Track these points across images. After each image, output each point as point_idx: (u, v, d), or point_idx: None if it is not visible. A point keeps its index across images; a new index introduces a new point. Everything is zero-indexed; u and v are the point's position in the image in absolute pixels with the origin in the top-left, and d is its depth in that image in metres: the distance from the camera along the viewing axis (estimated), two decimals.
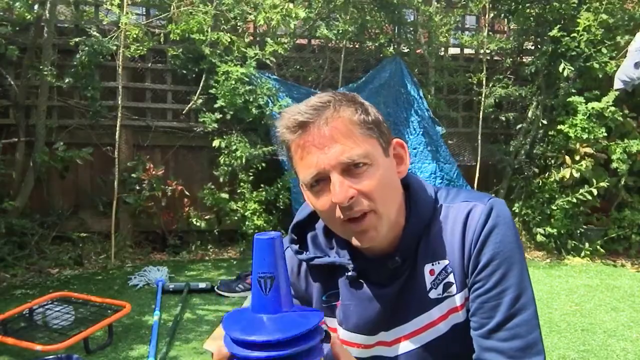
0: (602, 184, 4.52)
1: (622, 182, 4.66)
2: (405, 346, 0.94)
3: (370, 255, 0.94)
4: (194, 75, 4.45)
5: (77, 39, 4.09)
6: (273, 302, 0.71)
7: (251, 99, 4.22)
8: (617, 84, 4.41)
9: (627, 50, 4.44)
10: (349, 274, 0.94)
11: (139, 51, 4.17)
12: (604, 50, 4.58)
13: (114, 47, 4.13)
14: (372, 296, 0.93)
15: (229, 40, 4.20)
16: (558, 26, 4.61)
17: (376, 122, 0.88)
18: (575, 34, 4.57)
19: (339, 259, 0.96)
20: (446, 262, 0.91)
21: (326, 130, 0.84)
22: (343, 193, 0.82)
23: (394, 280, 0.93)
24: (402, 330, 0.94)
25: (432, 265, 0.92)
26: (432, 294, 0.92)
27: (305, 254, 0.98)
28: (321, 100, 0.86)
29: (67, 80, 4.14)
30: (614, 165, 4.58)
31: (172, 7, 4.16)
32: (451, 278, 0.91)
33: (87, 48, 4.00)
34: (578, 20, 4.52)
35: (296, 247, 0.99)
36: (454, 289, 0.91)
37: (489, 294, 0.87)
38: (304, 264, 1.01)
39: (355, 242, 0.89)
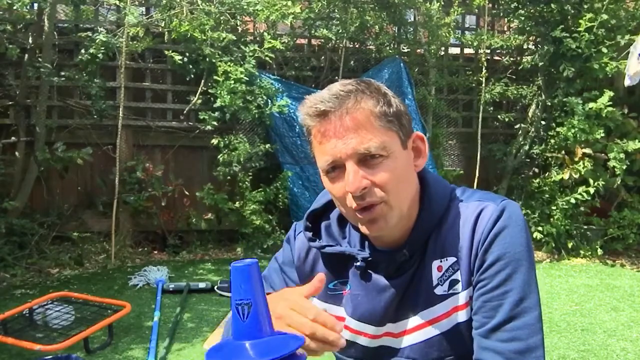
0: (598, 182, 4.52)
1: (620, 182, 4.64)
2: (411, 339, 0.95)
3: (381, 246, 0.96)
4: (193, 76, 4.44)
5: (83, 34, 4.08)
6: (252, 328, 0.73)
7: (251, 99, 4.23)
8: (627, 81, 4.37)
9: (629, 51, 4.42)
10: (358, 264, 0.95)
11: (141, 45, 4.18)
12: (604, 50, 4.58)
13: (119, 45, 4.13)
14: (380, 287, 0.95)
15: (229, 39, 4.21)
16: (561, 27, 4.61)
17: (397, 115, 0.89)
18: (576, 35, 4.56)
19: (349, 248, 0.97)
20: (454, 259, 0.92)
21: (347, 120, 0.85)
22: (356, 183, 0.84)
23: (402, 273, 0.94)
24: (408, 323, 0.95)
25: (441, 261, 0.92)
26: (438, 290, 0.92)
27: (318, 242, 1.00)
28: (344, 89, 0.87)
29: (74, 76, 4.10)
30: (611, 164, 4.58)
31: (175, 6, 4.17)
32: (457, 276, 0.91)
33: (95, 44, 3.99)
34: (580, 21, 4.51)
35: (309, 234, 1.01)
36: (459, 286, 0.91)
37: (492, 293, 0.87)
38: (313, 251, 1.03)
39: (364, 229, 0.90)
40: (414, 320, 0.94)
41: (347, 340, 0.98)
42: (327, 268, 1.01)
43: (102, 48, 4.00)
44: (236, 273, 0.74)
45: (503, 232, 0.88)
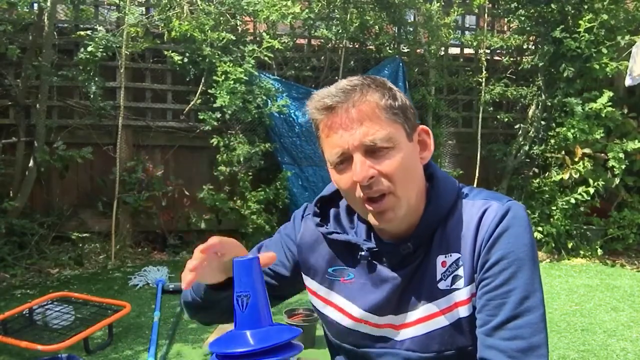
0: (598, 182, 4.52)
1: (618, 181, 4.64)
2: (411, 332, 0.96)
3: (386, 238, 0.98)
4: (193, 76, 4.44)
5: (82, 32, 4.08)
6: (251, 318, 0.78)
7: (250, 99, 4.23)
8: (628, 81, 4.36)
9: (630, 51, 4.41)
10: (362, 253, 0.97)
11: (140, 46, 4.18)
12: (604, 51, 4.58)
13: (119, 45, 4.13)
14: (383, 278, 0.97)
15: (229, 39, 4.21)
16: (561, 27, 4.61)
17: (402, 108, 0.91)
18: (577, 35, 4.56)
19: (355, 237, 1.00)
20: (458, 255, 0.93)
21: (353, 112, 0.88)
22: (364, 172, 0.86)
23: (405, 265, 0.96)
24: (410, 316, 0.96)
25: (445, 257, 0.94)
26: (441, 285, 0.94)
27: (325, 228, 1.02)
28: (351, 84, 0.91)
29: (76, 76, 4.09)
30: (610, 164, 4.58)
31: (175, 6, 4.17)
32: (460, 272, 0.93)
33: (94, 42, 3.98)
34: (580, 21, 4.51)
35: (317, 219, 1.03)
36: (461, 282, 0.92)
37: (496, 292, 0.88)
38: (318, 233, 1.04)
39: (373, 221, 0.93)
40: (416, 313, 0.95)
41: (348, 328, 1.01)
42: (331, 252, 1.03)
43: (101, 47, 4.00)
44: (237, 267, 0.79)
45: (507, 232, 0.90)
